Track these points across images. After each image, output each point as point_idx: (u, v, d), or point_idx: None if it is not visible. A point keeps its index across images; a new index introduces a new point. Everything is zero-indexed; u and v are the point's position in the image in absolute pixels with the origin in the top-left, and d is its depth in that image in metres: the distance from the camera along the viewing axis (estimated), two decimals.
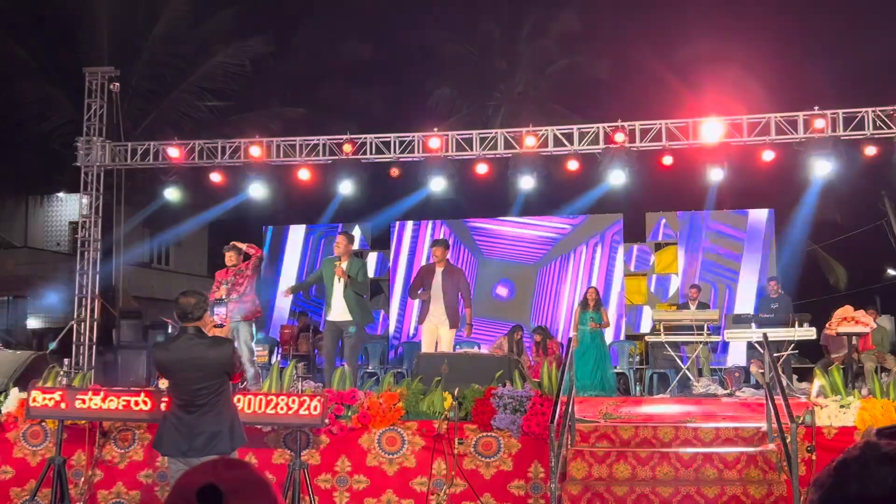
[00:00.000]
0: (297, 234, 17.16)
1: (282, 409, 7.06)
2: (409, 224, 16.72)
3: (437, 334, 10.59)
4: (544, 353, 13.21)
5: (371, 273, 16.49)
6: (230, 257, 10.41)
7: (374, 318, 12.70)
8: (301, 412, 7.01)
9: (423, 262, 15.22)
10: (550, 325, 15.06)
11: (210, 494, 1.73)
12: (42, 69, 20.29)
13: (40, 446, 8.38)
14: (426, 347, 10.60)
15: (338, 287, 10.09)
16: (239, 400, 6.88)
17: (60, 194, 22.94)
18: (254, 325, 10.50)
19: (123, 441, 8.25)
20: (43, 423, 8.34)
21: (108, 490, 8.19)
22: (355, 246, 16.03)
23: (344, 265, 10.09)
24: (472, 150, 13.54)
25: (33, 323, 20.93)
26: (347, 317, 10.00)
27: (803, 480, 6.62)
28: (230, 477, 1.79)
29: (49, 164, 20.08)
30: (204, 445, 5.53)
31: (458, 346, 11.40)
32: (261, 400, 7.17)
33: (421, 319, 10.88)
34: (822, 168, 12.59)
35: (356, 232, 16.54)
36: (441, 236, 15.75)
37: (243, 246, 10.44)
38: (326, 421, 7.40)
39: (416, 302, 11.50)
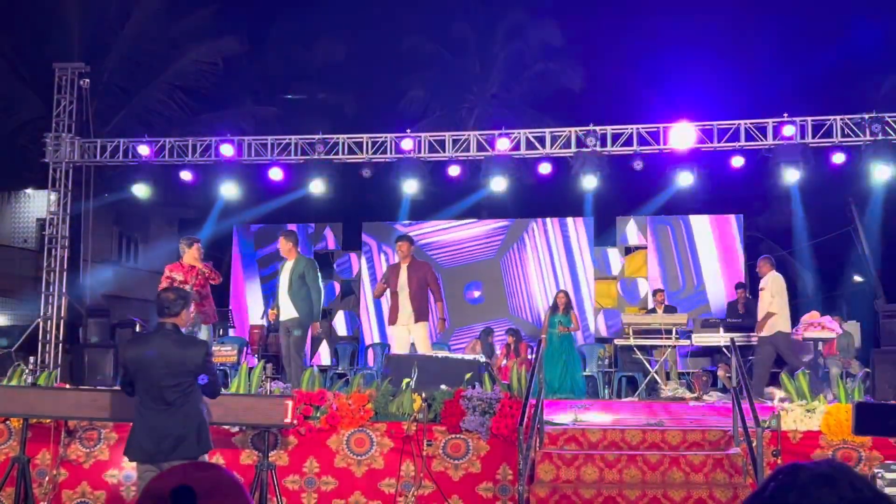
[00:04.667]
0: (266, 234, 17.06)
1: (250, 409, 7.00)
2: (381, 225, 16.67)
3: (407, 338, 10.23)
4: (515, 356, 13.24)
5: (342, 275, 16.49)
6: (192, 254, 9.78)
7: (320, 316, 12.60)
8: (270, 413, 6.96)
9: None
10: (531, 312, 15.10)
11: (183, 495, 1.73)
12: (10, 64, 20.05)
13: (4, 445, 8.27)
14: (396, 350, 10.28)
15: (283, 287, 9.85)
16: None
17: (28, 190, 22.65)
18: (212, 328, 10.09)
19: (89, 440, 8.16)
20: (7, 422, 8.24)
21: (72, 490, 8.10)
22: (338, 246, 16.12)
23: (290, 265, 9.85)
24: (444, 151, 13.56)
25: None
26: (293, 314, 9.76)
27: None
28: (203, 478, 1.79)
29: (17, 160, 19.83)
30: (171, 448, 5.43)
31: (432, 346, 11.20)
32: (229, 400, 7.11)
33: (391, 321, 10.50)
34: (790, 174, 12.74)
35: (327, 232, 16.49)
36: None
37: (204, 269, 9.76)
38: (295, 422, 7.37)
39: (385, 302, 11.36)
